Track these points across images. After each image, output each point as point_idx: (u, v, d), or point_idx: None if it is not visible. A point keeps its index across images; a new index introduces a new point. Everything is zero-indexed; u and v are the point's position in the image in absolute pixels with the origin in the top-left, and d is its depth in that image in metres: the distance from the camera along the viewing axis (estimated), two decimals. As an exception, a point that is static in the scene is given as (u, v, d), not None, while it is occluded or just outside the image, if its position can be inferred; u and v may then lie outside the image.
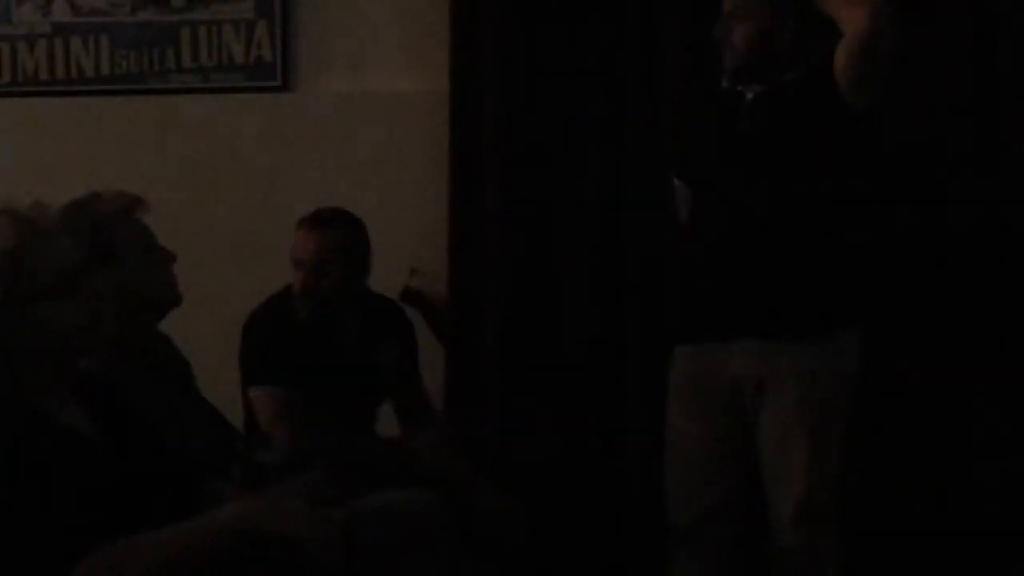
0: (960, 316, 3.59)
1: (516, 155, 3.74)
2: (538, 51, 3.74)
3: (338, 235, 3.31)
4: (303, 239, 3.30)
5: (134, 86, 3.94)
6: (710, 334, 3.07)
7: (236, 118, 3.92)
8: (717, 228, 3.07)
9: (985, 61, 3.60)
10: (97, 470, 1.98)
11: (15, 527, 1.87)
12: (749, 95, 3.06)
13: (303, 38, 3.93)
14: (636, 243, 3.70)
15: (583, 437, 3.73)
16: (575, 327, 3.74)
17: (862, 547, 3.46)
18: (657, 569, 3.27)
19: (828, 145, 2.99)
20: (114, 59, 3.94)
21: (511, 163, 3.74)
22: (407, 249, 3.79)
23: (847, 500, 3.14)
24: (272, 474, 2.78)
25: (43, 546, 1.87)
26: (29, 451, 1.93)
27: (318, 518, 2.01)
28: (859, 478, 3.37)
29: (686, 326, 3.15)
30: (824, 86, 2.98)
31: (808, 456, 2.98)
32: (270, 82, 3.93)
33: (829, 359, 3.00)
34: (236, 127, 3.92)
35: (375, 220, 3.45)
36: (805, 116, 3.01)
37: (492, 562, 3.13)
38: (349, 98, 3.90)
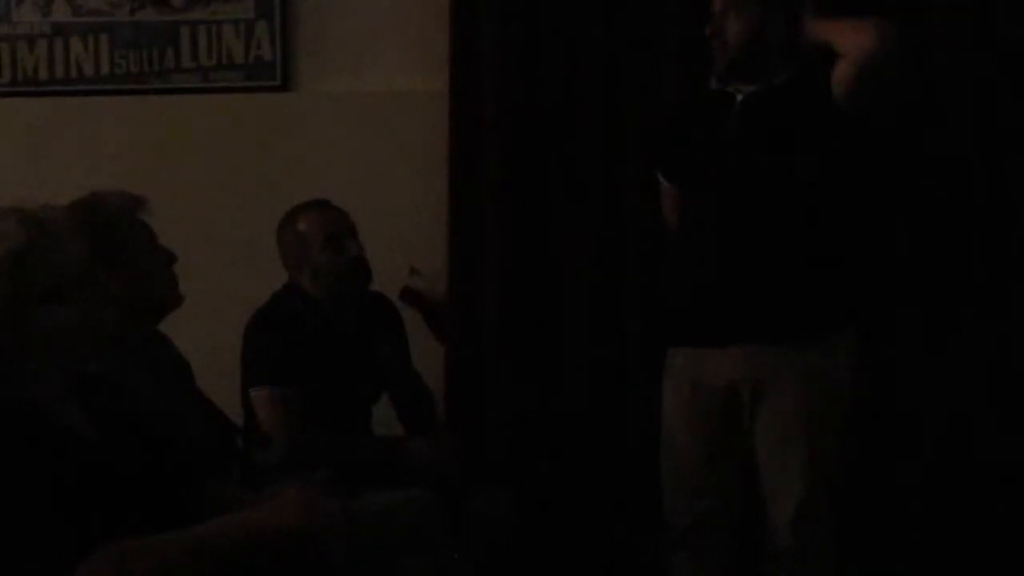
0: (959, 316, 3.59)
1: (516, 155, 3.74)
2: (538, 51, 3.74)
3: (347, 214, 3.34)
4: (325, 216, 3.30)
5: (134, 86, 3.95)
6: (706, 338, 3.06)
7: (236, 118, 3.92)
8: (710, 230, 3.06)
9: (985, 60, 3.60)
10: (97, 470, 1.98)
11: (16, 528, 1.87)
12: (739, 96, 3.06)
13: (303, 38, 3.93)
14: (636, 243, 3.70)
15: (583, 437, 3.73)
16: (575, 327, 3.74)
17: (861, 548, 3.46)
18: (657, 569, 3.27)
19: (818, 148, 2.99)
20: (114, 59, 3.94)
21: (511, 163, 3.74)
22: (407, 249, 3.79)
23: (846, 501, 3.14)
24: (272, 474, 2.78)
25: (44, 547, 1.87)
26: (29, 452, 1.93)
27: (319, 505, 2.02)
28: (858, 479, 3.38)
29: (682, 329, 3.14)
30: (814, 89, 2.97)
31: (806, 458, 2.98)
32: (270, 82, 3.93)
33: (826, 361, 3.00)
34: (236, 127, 3.92)
35: (375, 220, 3.46)
36: (795, 118, 3.00)
37: (490, 562, 3.14)
38: (349, 98, 3.90)
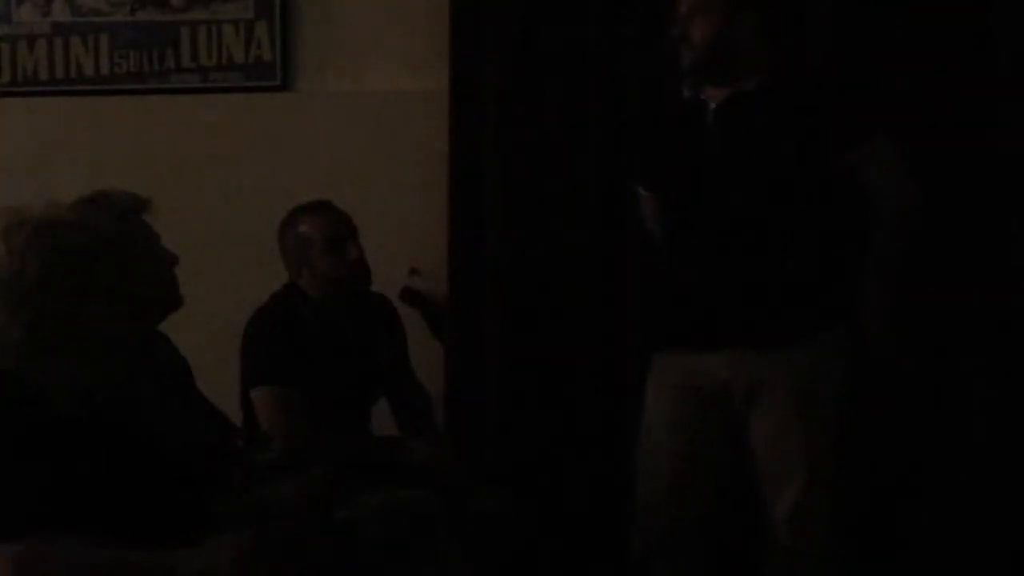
0: (957, 313, 3.59)
1: (516, 155, 3.74)
2: (538, 51, 3.74)
3: (348, 216, 3.34)
4: (327, 218, 3.29)
5: (134, 86, 3.95)
6: (700, 343, 3.05)
7: (236, 118, 3.92)
8: (696, 237, 3.05)
9: (985, 62, 3.60)
10: (96, 470, 1.98)
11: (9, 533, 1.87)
12: (712, 104, 3.05)
13: (303, 38, 3.94)
14: (636, 243, 3.69)
15: (583, 437, 3.73)
16: (575, 327, 3.74)
17: (861, 545, 3.46)
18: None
19: (794, 155, 2.98)
20: (114, 59, 3.95)
21: (511, 163, 3.74)
22: (407, 249, 3.79)
23: (847, 498, 3.14)
24: (272, 474, 2.78)
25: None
26: (29, 452, 1.93)
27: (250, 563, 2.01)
28: (858, 476, 3.38)
29: (674, 334, 3.13)
30: (788, 93, 2.97)
31: (804, 455, 2.99)
32: (270, 82, 3.93)
33: (819, 361, 3.00)
34: (236, 127, 3.92)
35: (375, 220, 3.46)
36: (771, 124, 2.99)
37: (490, 562, 3.14)
38: (349, 98, 3.91)
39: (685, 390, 3.07)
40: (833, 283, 3.07)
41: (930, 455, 3.60)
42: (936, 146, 3.57)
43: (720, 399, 3.04)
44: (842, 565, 3.07)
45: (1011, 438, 3.58)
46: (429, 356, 3.71)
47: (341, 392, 3.25)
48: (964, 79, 3.58)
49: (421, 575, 2.77)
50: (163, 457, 2.18)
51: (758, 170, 2.98)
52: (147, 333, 2.72)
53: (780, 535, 3.03)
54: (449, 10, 3.77)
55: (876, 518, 3.57)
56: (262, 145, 3.91)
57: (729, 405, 3.04)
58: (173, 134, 3.92)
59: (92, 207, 2.47)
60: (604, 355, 3.73)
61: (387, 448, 3.29)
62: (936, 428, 3.60)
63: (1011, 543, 3.57)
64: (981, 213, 3.60)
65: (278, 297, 3.34)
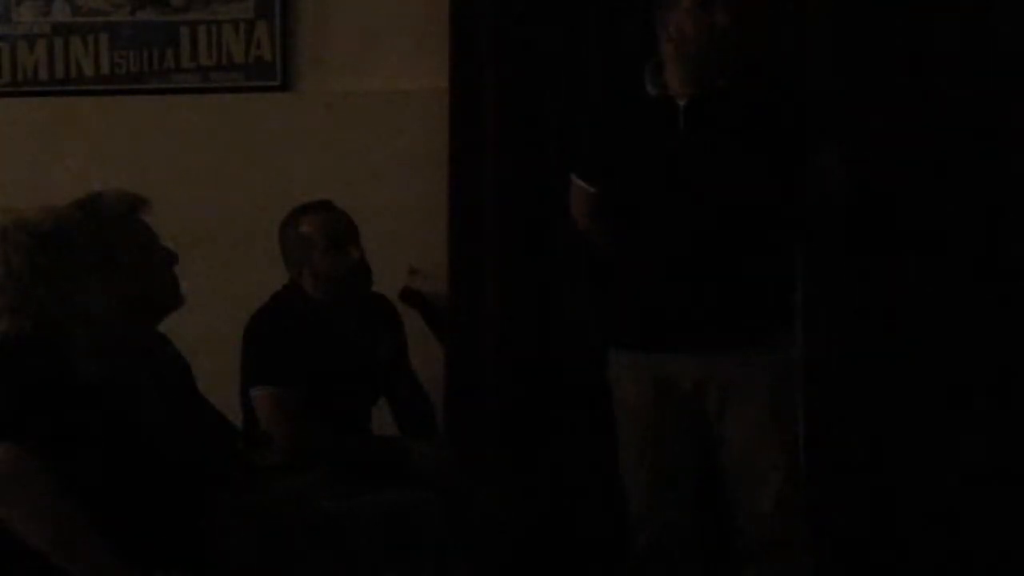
0: (954, 312, 3.60)
1: (516, 155, 3.74)
2: (538, 51, 3.74)
3: (349, 216, 3.34)
4: (328, 219, 3.29)
5: (134, 86, 3.95)
6: (673, 344, 3.04)
7: (236, 118, 3.92)
8: (664, 237, 3.04)
9: (985, 62, 3.60)
10: (97, 468, 1.99)
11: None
12: (681, 103, 3.03)
13: (303, 38, 3.94)
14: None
15: (583, 437, 3.73)
16: (575, 327, 3.74)
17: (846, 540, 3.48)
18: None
19: (763, 154, 2.97)
20: (114, 59, 3.94)
21: (511, 163, 3.75)
22: (407, 249, 3.79)
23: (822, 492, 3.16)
24: (272, 474, 2.79)
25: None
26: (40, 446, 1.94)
27: None
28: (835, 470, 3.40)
29: (647, 336, 3.10)
30: (757, 95, 2.97)
31: (781, 451, 3.01)
32: (270, 82, 3.93)
33: (791, 358, 3.01)
34: (236, 127, 3.92)
35: (375, 220, 3.46)
36: (742, 122, 2.98)
37: (490, 562, 3.14)
38: (349, 98, 3.91)
39: (660, 397, 3.06)
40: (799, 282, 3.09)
41: (918, 452, 3.62)
42: (936, 146, 3.58)
43: (692, 402, 3.04)
44: (822, 557, 3.08)
45: (1000, 429, 3.59)
46: (429, 356, 3.71)
47: (341, 392, 3.25)
48: (964, 79, 3.58)
49: (421, 575, 2.78)
50: (163, 457, 2.18)
51: (728, 169, 2.97)
52: (147, 333, 2.73)
53: (762, 530, 3.03)
54: (449, 10, 3.77)
55: (864, 516, 3.59)
56: (262, 145, 3.91)
57: (701, 408, 3.04)
58: (173, 134, 3.92)
59: (82, 208, 2.47)
60: (603, 355, 3.73)
61: (387, 448, 3.29)
62: (924, 425, 3.62)
63: (1002, 541, 3.58)
64: (981, 213, 3.60)
65: (279, 297, 3.34)
